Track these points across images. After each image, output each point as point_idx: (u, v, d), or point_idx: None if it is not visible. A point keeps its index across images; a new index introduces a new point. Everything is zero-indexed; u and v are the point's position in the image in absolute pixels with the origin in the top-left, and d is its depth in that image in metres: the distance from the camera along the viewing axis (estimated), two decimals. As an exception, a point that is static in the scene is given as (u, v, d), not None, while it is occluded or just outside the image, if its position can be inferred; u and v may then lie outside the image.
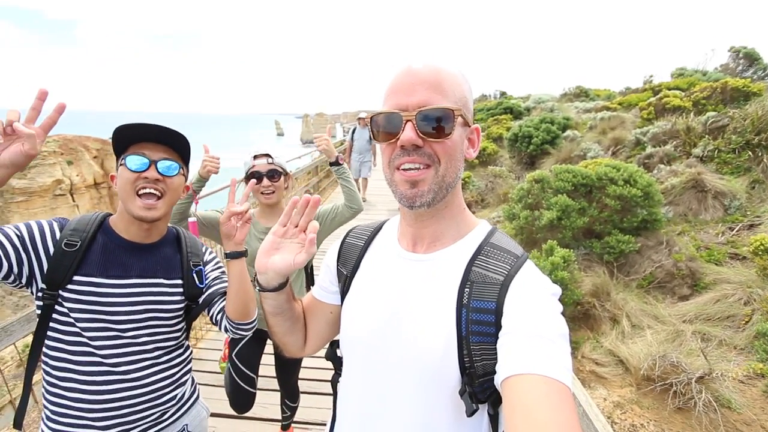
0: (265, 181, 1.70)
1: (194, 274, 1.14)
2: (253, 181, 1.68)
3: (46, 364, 1.00)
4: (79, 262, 0.98)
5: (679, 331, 2.95)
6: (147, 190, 0.99)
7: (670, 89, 8.03)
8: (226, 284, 1.18)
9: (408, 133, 0.62)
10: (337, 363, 0.84)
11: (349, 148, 7.68)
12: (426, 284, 0.69)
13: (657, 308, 3.31)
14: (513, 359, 0.55)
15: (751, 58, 10.84)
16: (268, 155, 1.73)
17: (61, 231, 0.99)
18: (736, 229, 4.03)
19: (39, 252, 0.96)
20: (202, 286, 1.15)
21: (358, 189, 2.37)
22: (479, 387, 0.64)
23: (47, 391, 1.00)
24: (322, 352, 0.88)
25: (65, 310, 0.97)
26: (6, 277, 0.94)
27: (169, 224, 1.17)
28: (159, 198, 1.01)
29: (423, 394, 0.66)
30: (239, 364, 1.81)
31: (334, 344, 0.85)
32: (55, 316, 0.97)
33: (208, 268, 1.20)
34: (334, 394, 0.85)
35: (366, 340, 0.73)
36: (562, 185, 4.26)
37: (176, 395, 1.11)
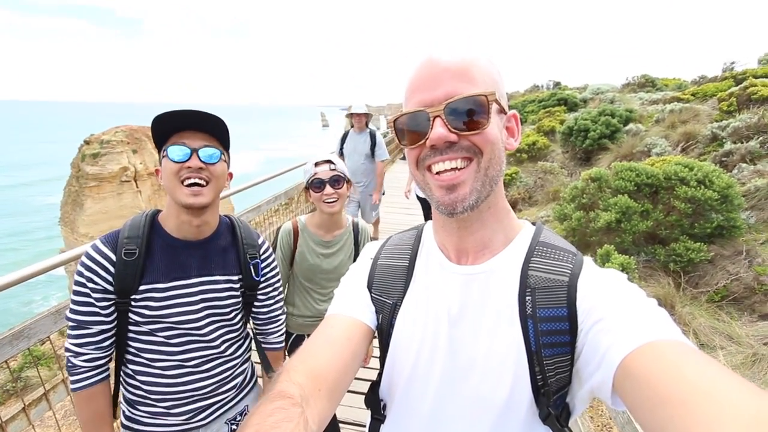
0: (328, 189, 1.62)
1: (251, 267, 1.14)
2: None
3: (124, 357, 1.05)
4: (142, 269, 0.98)
5: (761, 355, 2.58)
6: (192, 180, 0.97)
7: (757, 77, 7.06)
8: (274, 306, 1.26)
9: (437, 130, 0.54)
10: (378, 408, 0.71)
11: None
12: (482, 301, 0.61)
13: (732, 326, 2.93)
14: (625, 336, 0.47)
15: None
16: (329, 161, 1.65)
17: (111, 245, 0.98)
18: (837, 241, 3.46)
19: (106, 287, 0.97)
20: (258, 278, 1.16)
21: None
22: (555, 407, 0.57)
23: (126, 382, 1.06)
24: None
25: (136, 314, 1.00)
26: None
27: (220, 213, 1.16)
28: (204, 186, 0.99)
29: (494, 425, 0.59)
30: None
31: (375, 386, 0.72)
32: (130, 317, 1.00)
33: (265, 263, 1.20)
34: None
35: (425, 377, 0.63)
36: (623, 185, 3.89)
37: (238, 381, 1.18)
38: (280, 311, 1.30)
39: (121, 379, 1.07)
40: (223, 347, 1.10)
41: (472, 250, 0.63)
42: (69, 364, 0.99)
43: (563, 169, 7.24)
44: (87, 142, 24.15)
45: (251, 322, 1.27)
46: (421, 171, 0.60)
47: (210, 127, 1.00)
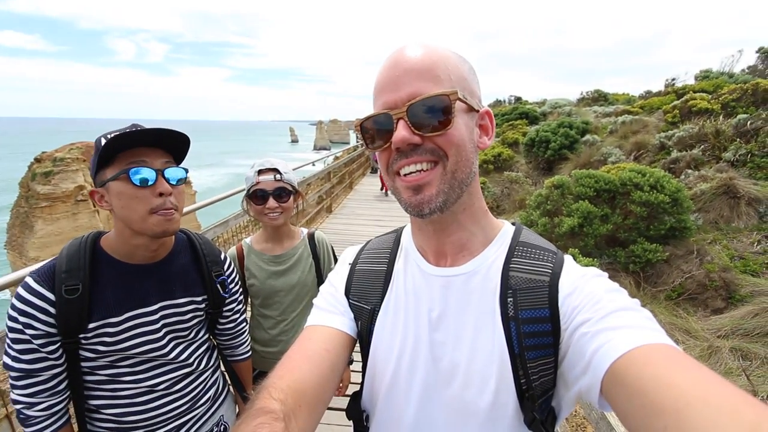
0: (271, 202, 1.43)
1: (218, 285, 1.06)
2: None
3: (83, 393, 0.93)
4: (89, 306, 0.86)
5: (715, 347, 2.74)
6: (162, 206, 0.86)
7: (695, 92, 7.72)
8: (240, 319, 1.21)
9: (400, 132, 0.53)
10: (361, 420, 0.69)
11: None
12: (463, 304, 0.59)
13: (689, 322, 3.09)
14: (613, 340, 0.46)
15: (781, 60, 10.39)
16: (275, 170, 1.45)
17: (47, 282, 0.84)
18: (773, 238, 3.77)
19: (48, 330, 0.83)
20: (226, 295, 1.09)
21: None
22: (540, 411, 0.54)
23: (91, 417, 0.94)
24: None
25: (89, 351, 0.89)
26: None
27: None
28: (176, 211, 0.89)
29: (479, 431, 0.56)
30: None
31: (357, 396, 0.70)
32: (81, 354, 0.89)
33: (230, 278, 1.13)
34: None
35: (407, 383, 0.61)
36: (584, 191, 4.08)
37: (211, 393, 1.11)
38: (244, 323, 1.24)
39: (85, 416, 0.95)
40: (194, 364, 1.03)
41: (451, 252, 0.61)
42: (22, 416, 0.86)
43: (528, 178, 7.53)
44: (38, 160, 22.63)
45: (216, 338, 1.19)
46: (390, 176, 0.58)
47: (167, 142, 0.89)
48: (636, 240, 3.77)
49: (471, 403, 0.56)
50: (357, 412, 0.68)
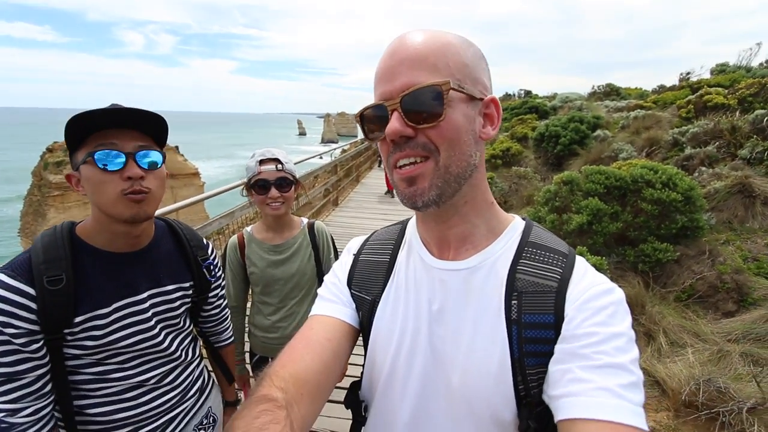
0: (273, 191, 1.46)
1: (204, 269, 1.04)
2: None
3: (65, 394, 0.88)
4: (74, 299, 0.80)
5: (725, 351, 2.67)
6: (132, 191, 0.81)
7: (711, 86, 7.50)
8: (223, 303, 1.21)
9: (392, 124, 0.52)
10: (359, 409, 0.69)
11: None
12: (464, 299, 0.57)
13: (698, 324, 3.03)
14: (577, 396, 0.46)
15: (802, 54, 10.05)
16: (277, 160, 1.47)
17: (24, 275, 0.77)
18: (789, 239, 3.66)
19: (31, 328, 0.77)
20: (212, 279, 1.08)
21: None
22: (537, 420, 0.53)
23: (79, 421, 0.88)
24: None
25: (75, 348, 0.84)
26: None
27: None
28: (147, 192, 0.85)
29: (476, 431, 0.55)
30: None
31: (356, 386, 0.70)
32: (66, 352, 0.84)
33: (215, 262, 1.11)
34: None
35: (404, 374, 0.61)
36: (593, 187, 3.99)
37: (199, 384, 1.10)
38: (227, 308, 1.25)
39: (69, 419, 0.90)
40: (182, 355, 1.01)
41: (453, 245, 0.60)
42: (4, 425, 0.79)
43: (536, 173, 7.42)
44: (50, 150, 22.95)
45: (200, 326, 1.19)
46: (390, 168, 0.58)
47: (147, 126, 0.84)
48: (646, 239, 3.68)
49: (468, 401, 0.55)
50: (355, 402, 0.68)
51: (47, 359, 0.82)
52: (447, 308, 0.59)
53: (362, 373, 0.69)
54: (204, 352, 1.20)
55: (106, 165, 0.79)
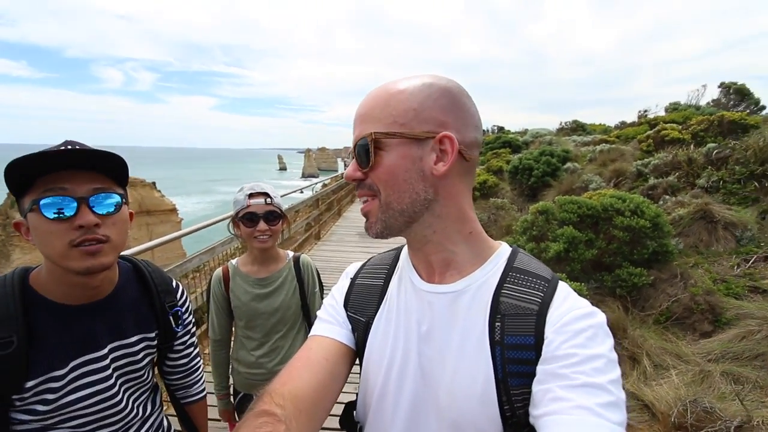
0: (262, 225, 1.47)
1: (170, 317, 0.97)
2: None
3: None
4: (26, 363, 0.72)
5: (706, 371, 2.73)
6: (87, 244, 0.73)
7: (666, 122, 8.14)
8: (194, 352, 1.11)
9: (348, 170, 0.63)
10: (354, 429, 0.70)
11: None
12: (450, 322, 0.60)
13: (679, 346, 3.10)
14: (558, 414, 0.47)
15: (741, 94, 11.16)
16: (266, 194, 1.50)
17: None
18: (751, 261, 3.88)
19: None
20: (178, 329, 1.00)
21: None
22: None
23: None
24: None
25: (24, 413, 0.75)
26: None
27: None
28: (105, 242, 0.76)
29: None
30: None
31: (350, 407, 0.72)
32: (13, 416, 0.74)
33: (184, 307, 1.02)
34: None
35: (395, 394, 0.63)
36: (568, 216, 4.16)
37: None
38: (198, 357, 1.15)
39: None
40: (140, 412, 0.92)
41: (438, 270, 0.64)
42: None
43: (513, 204, 7.67)
44: (14, 189, 21.92)
45: (166, 378, 1.09)
46: None
47: (104, 165, 0.76)
48: (621, 264, 3.82)
49: (455, 421, 0.56)
50: (351, 423, 0.71)
51: None
52: (434, 329, 0.61)
53: (357, 393, 0.71)
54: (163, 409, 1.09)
55: (53, 214, 0.70)
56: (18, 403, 0.73)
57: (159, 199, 27.92)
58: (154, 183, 28.78)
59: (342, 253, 6.79)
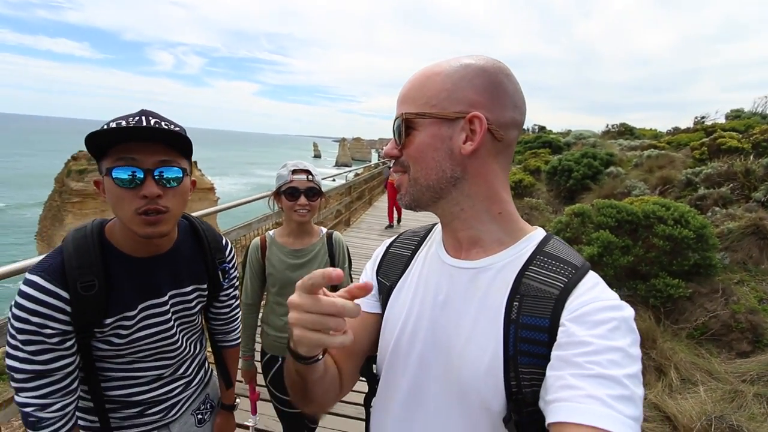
0: (302, 199, 1.57)
1: (219, 272, 1.09)
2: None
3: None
4: (106, 303, 0.84)
5: (739, 391, 2.61)
6: (149, 214, 0.82)
7: (725, 130, 7.58)
8: (235, 303, 1.24)
9: (387, 146, 0.68)
10: (372, 380, 0.77)
11: None
12: (468, 294, 0.63)
13: (711, 363, 2.97)
14: (567, 401, 0.47)
15: (817, 104, 10.13)
16: (308, 171, 1.61)
17: (59, 279, 0.80)
18: (805, 283, 3.61)
19: (65, 329, 0.81)
20: (224, 283, 1.13)
21: None
22: (528, 417, 0.55)
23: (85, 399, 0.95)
24: None
25: (102, 342, 0.89)
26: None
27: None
28: (164, 212, 0.84)
29: (465, 415, 0.60)
30: (276, 392, 1.74)
31: (371, 359, 0.77)
32: (94, 345, 0.89)
33: (231, 264, 1.16)
34: (367, 417, 0.78)
35: (406, 354, 0.67)
36: (605, 220, 4.02)
37: (201, 374, 1.16)
38: (238, 308, 1.29)
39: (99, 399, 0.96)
40: (191, 350, 1.09)
41: (465, 247, 0.66)
42: (32, 419, 0.81)
43: (548, 205, 7.46)
44: (74, 158, 23.83)
45: (209, 323, 1.24)
46: None
47: (170, 139, 0.82)
48: (658, 274, 3.67)
49: (459, 387, 0.60)
50: (369, 373, 0.78)
51: (76, 357, 0.86)
52: (451, 300, 0.64)
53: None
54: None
55: (122, 182, 0.79)
56: (99, 335, 0.87)
57: (199, 178, 29.35)
58: (195, 162, 30.27)
59: (369, 241, 6.91)
